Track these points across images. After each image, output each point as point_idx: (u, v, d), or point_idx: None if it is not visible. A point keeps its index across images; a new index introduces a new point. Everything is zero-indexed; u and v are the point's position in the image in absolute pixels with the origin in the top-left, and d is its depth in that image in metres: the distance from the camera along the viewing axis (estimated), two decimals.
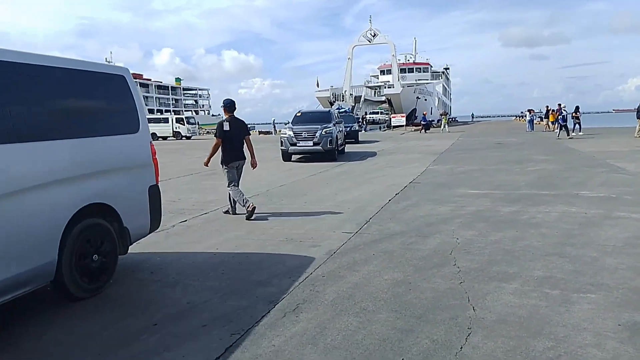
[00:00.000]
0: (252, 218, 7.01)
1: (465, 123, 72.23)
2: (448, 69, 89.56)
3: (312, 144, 15.86)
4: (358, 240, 5.69)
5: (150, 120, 44.20)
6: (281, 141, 16.51)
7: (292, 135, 16.13)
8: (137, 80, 73.94)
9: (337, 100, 53.87)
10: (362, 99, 62.75)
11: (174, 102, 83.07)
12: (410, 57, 77.51)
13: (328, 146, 15.87)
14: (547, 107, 34.30)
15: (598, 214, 6.60)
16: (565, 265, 4.52)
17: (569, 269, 4.39)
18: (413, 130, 43.19)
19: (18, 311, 3.87)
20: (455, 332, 3.20)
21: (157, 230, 6.44)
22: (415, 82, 64.56)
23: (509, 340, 3.05)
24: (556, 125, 31.63)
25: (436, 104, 68.39)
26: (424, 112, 43.67)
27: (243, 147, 7.50)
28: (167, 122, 41.66)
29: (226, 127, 7.26)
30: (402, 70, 66.19)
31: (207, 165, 7.54)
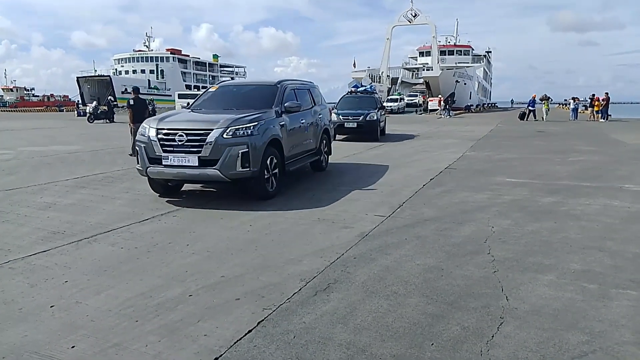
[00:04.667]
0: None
1: (506, 109, 70.18)
2: (490, 52, 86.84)
3: (195, 165, 6.52)
4: (391, 223, 5.68)
5: (187, 96, 45.08)
6: (135, 150, 7.29)
7: (157, 141, 6.71)
8: (176, 55, 74.98)
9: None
10: (399, 80, 61.78)
11: (210, 78, 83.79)
12: (451, 39, 75.48)
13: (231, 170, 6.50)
14: (594, 95, 32.98)
15: None
16: (604, 259, 4.38)
17: (608, 264, 4.26)
18: (456, 114, 42.01)
19: (63, 277, 4.06)
20: (487, 320, 3.17)
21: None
22: (455, 65, 62.95)
23: (542, 331, 3.01)
24: (600, 115, 30.48)
25: (476, 89, 66.64)
26: (534, 95, 34.43)
27: (145, 115, 11.57)
28: None
29: (131, 102, 12.40)
30: (442, 53, 64.56)
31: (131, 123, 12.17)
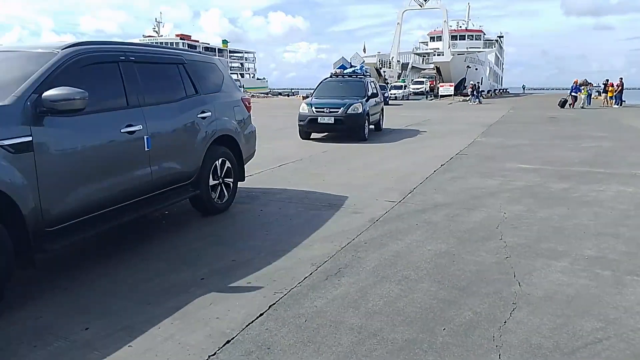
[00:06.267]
0: None
1: (517, 95, 69.32)
2: (502, 37, 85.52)
3: None
4: (401, 209, 5.65)
5: None
6: None
7: None
8: (185, 41, 74.82)
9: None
10: (409, 66, 61.22)
11: None
12: (463, 24, 74.41)
13: None
14: (607, 80, 32.46)
15: None
16: (618, 246, 4.33)
17: (622, 250, 4.21)
18: (461, 100, 41.57)
19: (72, 257, 4.10)
20: (500, 306, 3.15)
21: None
22: (466, 50, 62.15)
23: (556, 318, 2.98)
24: (614, 100, 29.97)
25: (487, 74, 65.86)
26: (576, 80, 29.73)
27: None
28: None
29: None
30: (453, 37, 63.74)
31: None
